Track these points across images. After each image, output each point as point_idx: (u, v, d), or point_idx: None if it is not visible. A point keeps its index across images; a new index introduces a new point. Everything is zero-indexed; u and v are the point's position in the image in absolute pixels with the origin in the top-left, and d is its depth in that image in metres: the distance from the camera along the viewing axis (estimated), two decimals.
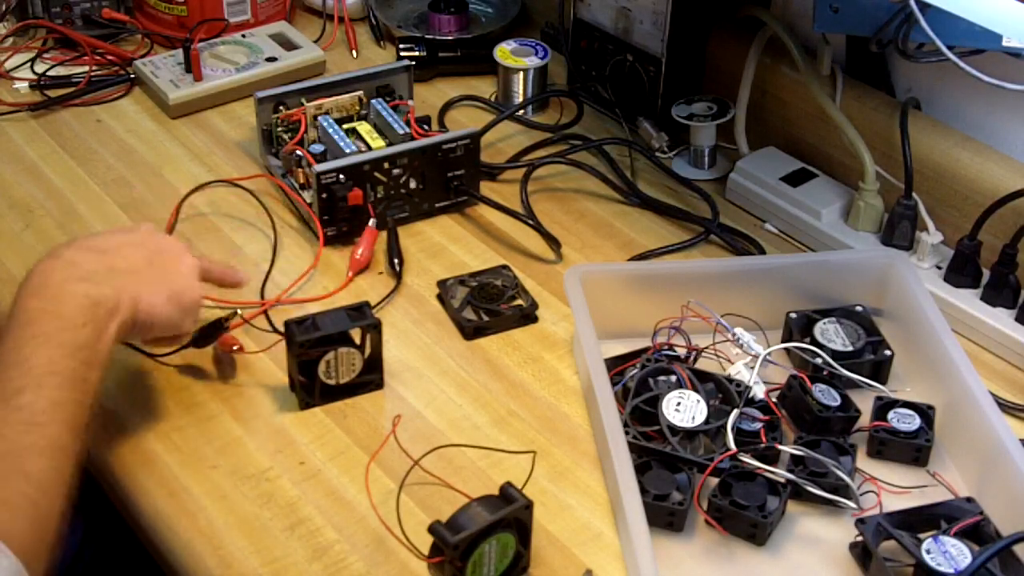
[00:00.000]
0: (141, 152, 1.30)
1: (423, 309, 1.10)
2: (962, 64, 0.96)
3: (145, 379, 1.02)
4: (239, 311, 1.02)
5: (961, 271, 1.10)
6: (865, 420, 0.97)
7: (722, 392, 0.97)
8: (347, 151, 1.16)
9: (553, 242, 1.18)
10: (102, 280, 0.88)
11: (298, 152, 1.18)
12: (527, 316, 1.09)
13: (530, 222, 1.19)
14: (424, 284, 1.13)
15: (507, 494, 0.83)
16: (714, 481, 0.91)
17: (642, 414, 0.95)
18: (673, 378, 0.97)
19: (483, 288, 1.10)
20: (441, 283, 1.12)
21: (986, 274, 1.09)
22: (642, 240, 1.20)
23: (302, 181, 1.19)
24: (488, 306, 1.08)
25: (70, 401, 0.82)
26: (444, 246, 1.19)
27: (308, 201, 1.17)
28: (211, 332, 1.01)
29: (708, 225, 1.20)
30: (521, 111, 1.37)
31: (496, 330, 1.08)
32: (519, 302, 1.10)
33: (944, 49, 0.96)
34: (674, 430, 0.93)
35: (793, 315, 1.05)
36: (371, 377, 1.00)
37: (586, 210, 1.24)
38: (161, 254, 0.95)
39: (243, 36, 1.45)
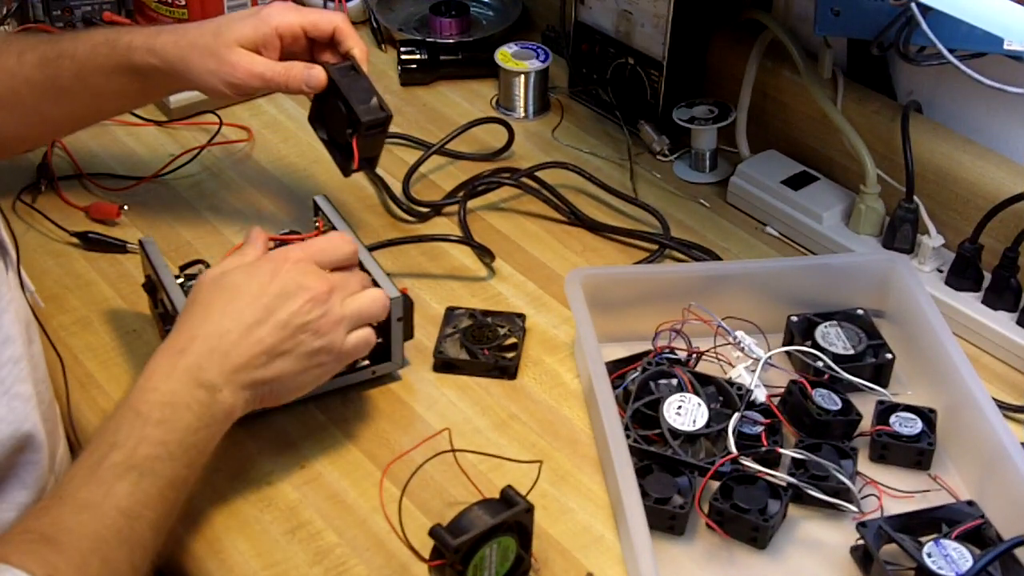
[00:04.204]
0: (141, 155, 1.31)
1: (426, 314, 1.10)
2: (963, 67, 0.96)
3: None
4: None
5: (962, 274, 1.10)
6: (867, 423, 0.98)
7: (723, 395, 0.97)
8: None
9: (487, 255, 1.16)
10: (223, 386, 0.85)
11: None
12: (503, 370, 1.04)
13: (452, 238, 1.18)
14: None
15: (508, 497, 0.83)
16: (715, 484, 0.91)
17: (643, 417, 0.95)
18: (674, 381, 0.97)
19: (481, 328, 1.07)
20: (450, 309, 1.10)
21: (987, 277, 1.09)
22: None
23: None
24: (472, 346, 1.05)
25: (165, 501, 0.81)
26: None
27: None
28: None
29: (661, 240, 1.19)
30: (449, 142, 1.31)
31: (465, 372, 1.04)
32: (506, 354, 1.05)
33: (945, 52, 0.96)
34: (675, 433, 0.93)
35: (794, 318, 1.05)
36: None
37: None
38: (296, 332, 0.89)
39: None
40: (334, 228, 1.06)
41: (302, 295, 0.89)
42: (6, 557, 0.71)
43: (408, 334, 1.02)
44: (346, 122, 1.06)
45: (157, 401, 0.83)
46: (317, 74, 1.06)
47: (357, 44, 1.08)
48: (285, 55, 1.08)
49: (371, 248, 1.10)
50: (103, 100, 1.11)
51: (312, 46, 1.10)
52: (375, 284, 0.98)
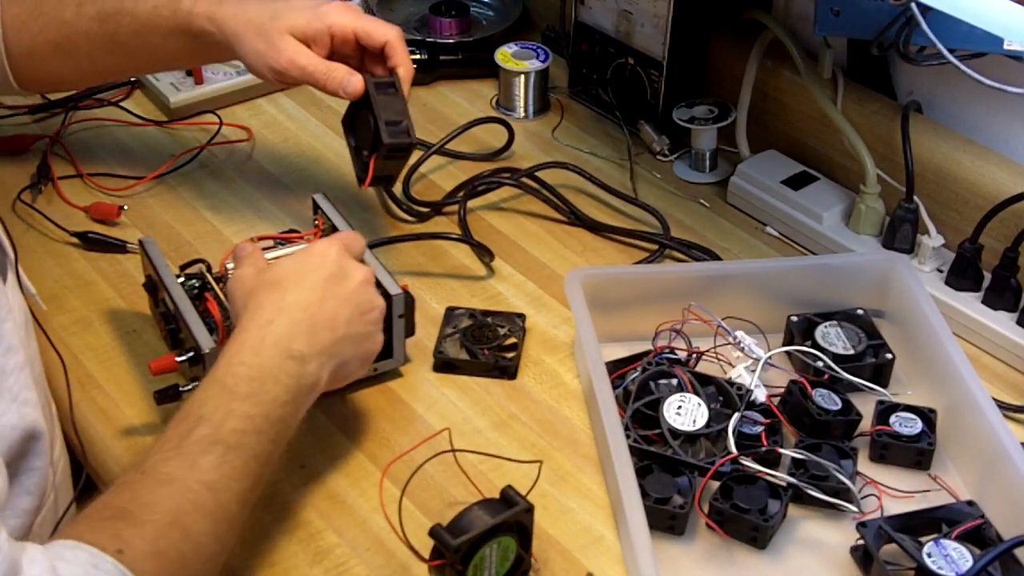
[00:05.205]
0: (141, 155, 1.31)
1: (426, 314, 1.10)
2: (963, 67, 0.97)
3: (145, 384, 1.02)
4: None
5: (962, 274, 1.10)
6: (867, 423, 0.98)
7: (723, 395, 0.97)
8: None
9: (486, 254, 1.17)
10: (311, 357, 0.87)
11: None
12: (503, 370, 1.04)
13: (452, 236, 1.18)
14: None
15: (508, 497, 0.83)
16: (715, 484, 0.91)
17: (643, 417, 0.95)
18: (674, 381, 0.97)
19: (481, 328, 1.07)
20: (450, 309, 1.10)
21: (987, 277, 1.10)
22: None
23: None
24: (472, 346, 1.05)
25: (251, 474, 0.81)
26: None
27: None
28: None
29: (661, 240, 1.19)
30: (449, 143, 1.31)
31: (465, 372, 1.05)
32: (506, 354, 1.05)
33: (945, 52, 0.96)
34: (675, 433, 0.93)
35: (794, 318, 1.05)
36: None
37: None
38: (359, 310, 0.92)
39: None
40: (334, 226, 1.06)
41: (354, 277, 0.92)
42: (79, 535, 0.71)
43: (409, 331, 1.02)
44: (372, 134, 1.06)
45: (245, 375, 0.84)
46: (355, 82, 1.06)
47: (404, 63, 1.08)
48: (335, 55, 1.08)
49: (370, 245, 1.11)
50: (156, 57, 1.14)
51: (363, 52, 1.10)
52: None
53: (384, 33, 1.08)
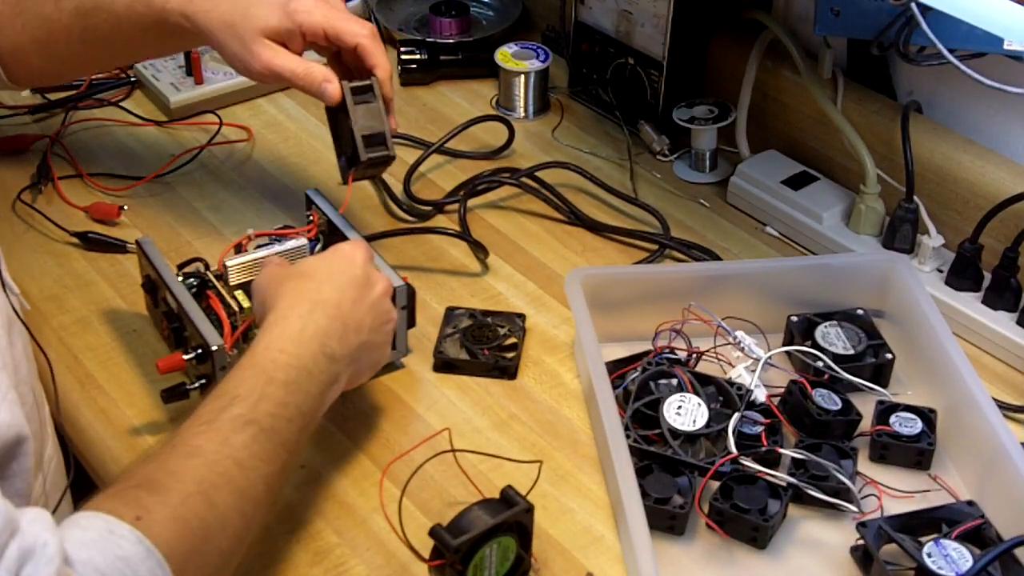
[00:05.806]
0: (141, 155, 1.31)
1: (426, 314, 1.10)
2: (963, 67, 0.97)
3: (146, 383, 1.03)
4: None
5: (962, 274, 1.10)
6: (867, 423, 0.98)
7: (723, 395, 0.97)
8: None
9: (481, 251, 1.17)
10: (340, 357, 0.88)
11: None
12: (503, 370, 1.04)
13: (448, 231, 1.18)
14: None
15: (508, 497, 0.83)
16: (715, 484, 0.91)
17: (643, 417, 0.95)
18: (674, 381, 0.97)
19: (481, 328, 1.07)
20: (450, 309, 1.10)
21: (987, 277, 1.10)
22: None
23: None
24: (472, 346, 1.05)
25: (279, 459, 0.81)
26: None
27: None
28: None
29: (661, 240, 1.19)
30: (448, 142, 1.31)
31: (465, 372, 1.05)
32: (506, 354, 1.05)
33: (945, 52, 0.97)
34: (675, 433, 0.93)
35: (794, 318, 1.05)
36: None
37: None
38: (379, 319, 0.93)
39: None
40: (329, 221, 1.06)
41: (378, 286, 0.94)
42: (99, 505, 0.70)
43: (411, 322, 1.03)
44: (351, 143, 1.05)
45: (285, 363, 0.84)
46: (332, 90, 1.04)
47: (380, 64, 1.05)
48: (314, 47, 1.08)
49: (368, 239, 1.11)
50: (137, 50, 1.16)
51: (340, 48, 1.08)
52: None
53: (354, 34, 1.05)
